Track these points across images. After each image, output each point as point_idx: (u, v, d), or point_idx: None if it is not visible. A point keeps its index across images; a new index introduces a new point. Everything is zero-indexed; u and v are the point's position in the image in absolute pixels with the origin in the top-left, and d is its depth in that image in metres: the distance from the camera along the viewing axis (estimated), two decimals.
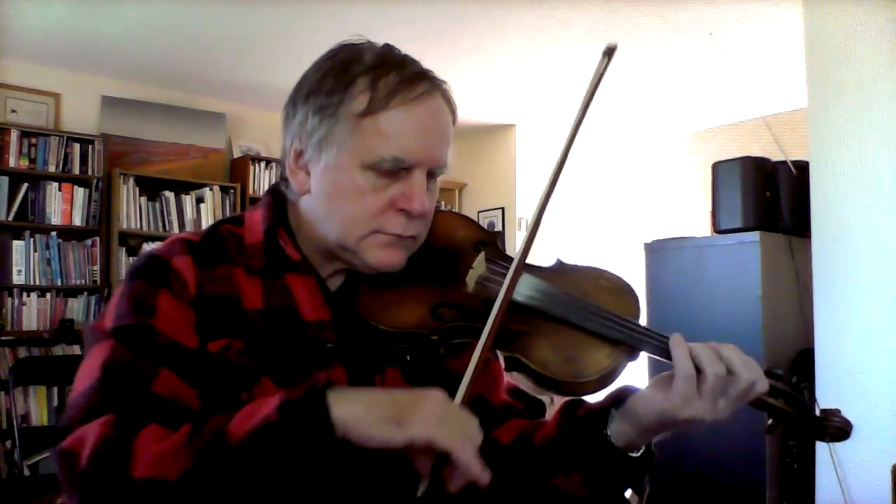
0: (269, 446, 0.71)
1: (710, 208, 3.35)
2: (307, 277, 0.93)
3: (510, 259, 0.95)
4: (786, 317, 3.09)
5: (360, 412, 0.72)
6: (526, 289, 0.92)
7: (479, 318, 0.85)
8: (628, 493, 0.97)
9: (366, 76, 0.88)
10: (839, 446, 2.52)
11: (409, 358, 0.94)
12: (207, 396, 0.84)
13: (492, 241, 1.01)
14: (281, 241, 0.94)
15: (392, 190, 0.88)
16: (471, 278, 0.95)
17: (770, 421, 0.90)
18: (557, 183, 0.92)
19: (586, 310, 0.90)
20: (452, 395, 0.78)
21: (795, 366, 3.01)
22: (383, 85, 0.87)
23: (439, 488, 0.74)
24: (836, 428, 0.90)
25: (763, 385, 0.86)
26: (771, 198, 3.18)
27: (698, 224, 5.29)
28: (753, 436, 2.97)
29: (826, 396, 2.58)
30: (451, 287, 0.95)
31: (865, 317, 2.52)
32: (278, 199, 0.98)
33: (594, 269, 0.99)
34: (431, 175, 0.92)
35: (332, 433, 0.70)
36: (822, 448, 2.60)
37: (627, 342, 0.88)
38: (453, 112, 0.95)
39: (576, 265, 1.00)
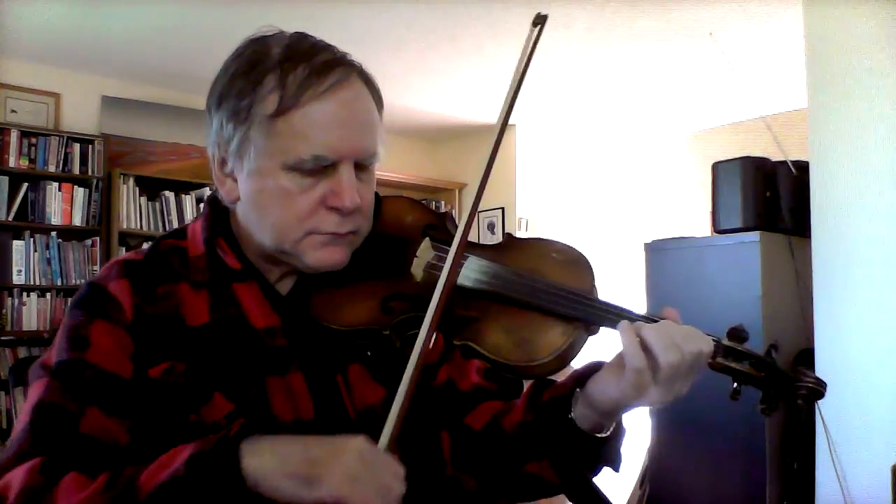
0: (175, 500, 0.70)
1: (710, 208, 3.35)
2: (251, 285, 0.90)
3: None
4: (786, 317, 3.09)
5: (272, 465, 0.70)
6: (472, 272, 0.87)
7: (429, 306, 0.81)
8: (625, 495, 0.95)
9: (273, 73, 0.83)
10: (839, 445, 2.52)
11: (369, 353, 0.91)
12: (146, 426, 0.83)
13: (440, 224, 0.96)
14: (219, 252, 0.91)
15: (320, 188, 0.84)
16: (417, 267, 0.91)
17: (735, 385, 0.85)
18: (492, 167, 0.90)
19: (536, 288, 0.84)
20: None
21: (795, 366, 3.01)
22: (292, 80, 0.82)
23: None
24: (808, 388, 0.84)
25: (708, 346, 0.81)
26: (771, 198, 3.17)
27: (698, 224, 5.29)
28: (754, 435, 2.97)
29: (826, 397, 2.57)
30: (399, 278, 0.91)
31: (865, 317, 2.52)
32: (217, 207, 0.95)
33: (545, 241, 0.93)
34: (362, 166, 0.87)
35: (242, 485, 0.69)
36: (822, 447, 2.60)
37: (582, 318, 0.83)
38: (375, 95, 0.90)
39: (526, 239, 0.94)
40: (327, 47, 0.87)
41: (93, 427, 0.80)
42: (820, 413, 2.57)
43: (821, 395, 0.85)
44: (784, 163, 3.19)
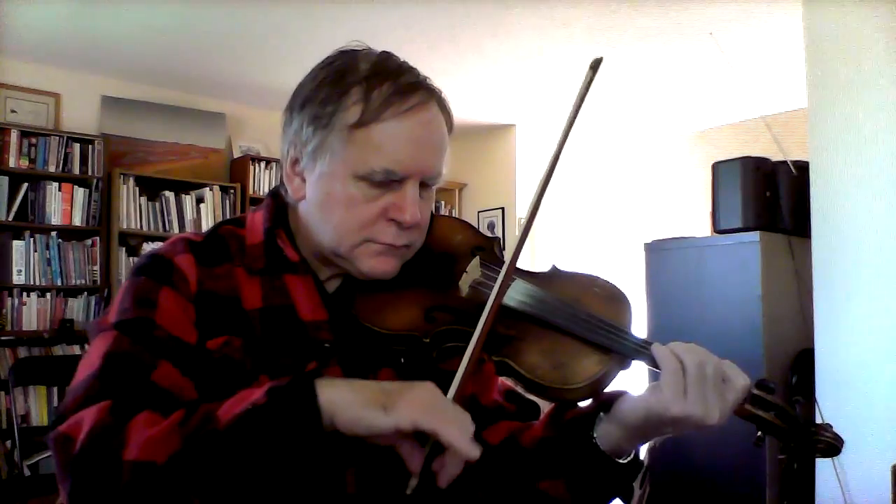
0: (255, 430, 0.71)
1: (710, 208, 3.35)
2: (305, 278, 0.94)
3: None
4: (786, 317, 3.09)
5: (347, 396, 0.72)
6: (518, 294, 0.92)
7: (472, 321, 0.85)
8: None
9: (359, 86, 0.88)
10: None
11: (403, 360, 0.94)
12: (205, 392, 0.85)
13: (488, 246, 1.01)
14: (280, 242, 0.95)
15: (384, 200, 0.89)
16: (464, 282, 0.96)
17: (759, 433, 0.89)
18: (546, 192, 0.92)
19: (577, 316, 0.89)
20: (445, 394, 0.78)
21: (795, 366, 3.01)
22: (376, 96, 0.87)
23: (429, 489, 0.73)
24: (827, 443, 0.88)
25: (744, 379, 0.85)
26: (771, 198, 3.18)
27: (698, 224, 5.29)
28: (753, 436, 2.97)
29: (826, 397, 2.58)
30: (445, 291, 0.95)
31: (865, 317, 2.52)
32: (278, 201, 0.99)
33: (588, 276, 0.98)
34: (425, 185, 0.92)
35: (318, 417, 0.71)
36: None
37: (617, 350, 0.87)
38: (449, 120, 0.95)
39: (570, 271, 0.99)
40: (411, 69, 0.93)
41: (165, 379, 0.83)
42: (820, 413, 2.57)
43: (837, 451, 0.89)
44: (784, 163, 3.19)
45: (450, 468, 0.73)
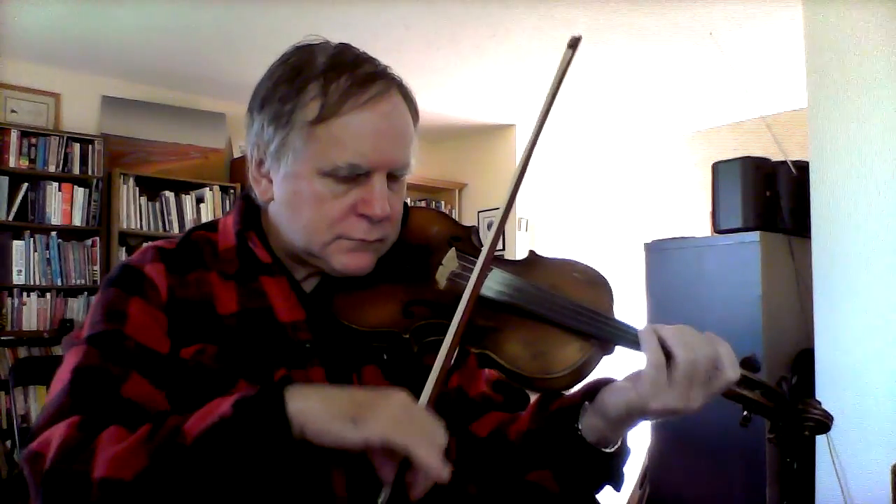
0: (223, 444, 0.70)
1: (710, 208, 3.35)
2: (280, 279, 0.93)
3: None
4: (786, 317, 3.09)
5: (317, 407, 0.70)
6: (496, 284, 0.90)
7: (450, 314, 0.83)
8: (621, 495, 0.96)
9: (317, 81, 0.86)
10: (839, 445, 2.52)
11: (385, 357, 0.93)
12: (178, 401, 0.84)
13: (465, 236, 1.00)
14: (251, 245, 0.94)
15: (352, 195, 0.87)
16: (441, 275, 0.94)
17: (745, 413, 0.87)
18: (524, 178, 0.91)
19: (556, 303, 0.87)
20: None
21: (795, 366, 3.01)
22: (334, 90, 0.85)
23: (404, 497, 0.71)
24: (816, 420, 0.86)
25: (735, 373, 0.82)
26: (771, 198, 3.17)
27: (698, 224, 5.28)
28: (753, 436, 2.97)
29: (826, 396, 2.58)
30: (423, 284, 0.93)
31: (865, 317, 2.52)
32: (250, 204, 0.98)
33: (567, 261, 0.97)
34: (394, 177, 0.90)
35: (288, 428, 0.69)
36: (822, 448, 2.60)
37: (598, 336, 0.85)
38: (412, 109, 0.93)
39: (549, 257, 0.98)
40: (369, 59, 0.90)
41: (134, 392, 0.82)
42: None
43: (827, 427, 0.87)
44: (784, 163, 3.19)
45: (420, 484, 0.70)
